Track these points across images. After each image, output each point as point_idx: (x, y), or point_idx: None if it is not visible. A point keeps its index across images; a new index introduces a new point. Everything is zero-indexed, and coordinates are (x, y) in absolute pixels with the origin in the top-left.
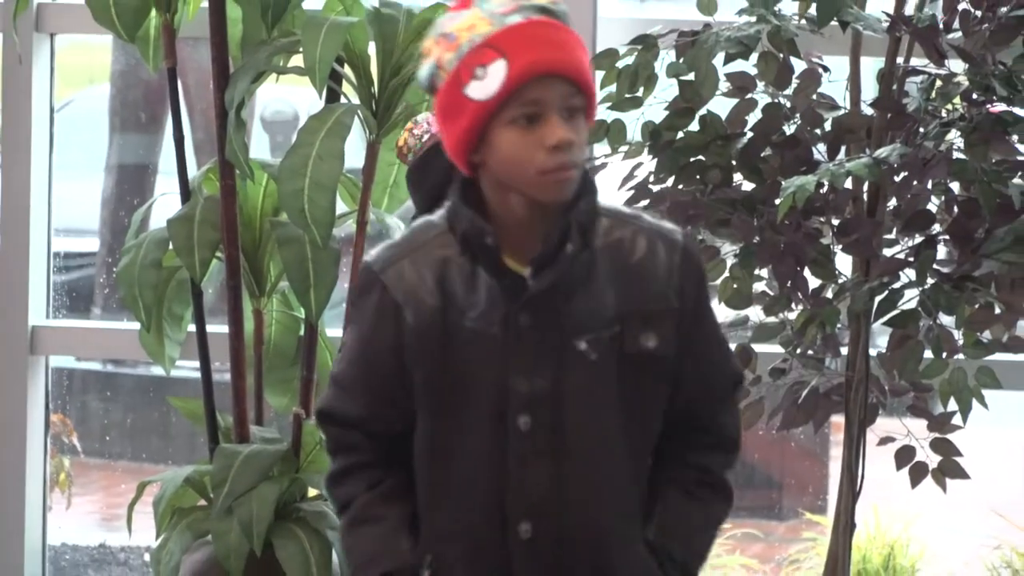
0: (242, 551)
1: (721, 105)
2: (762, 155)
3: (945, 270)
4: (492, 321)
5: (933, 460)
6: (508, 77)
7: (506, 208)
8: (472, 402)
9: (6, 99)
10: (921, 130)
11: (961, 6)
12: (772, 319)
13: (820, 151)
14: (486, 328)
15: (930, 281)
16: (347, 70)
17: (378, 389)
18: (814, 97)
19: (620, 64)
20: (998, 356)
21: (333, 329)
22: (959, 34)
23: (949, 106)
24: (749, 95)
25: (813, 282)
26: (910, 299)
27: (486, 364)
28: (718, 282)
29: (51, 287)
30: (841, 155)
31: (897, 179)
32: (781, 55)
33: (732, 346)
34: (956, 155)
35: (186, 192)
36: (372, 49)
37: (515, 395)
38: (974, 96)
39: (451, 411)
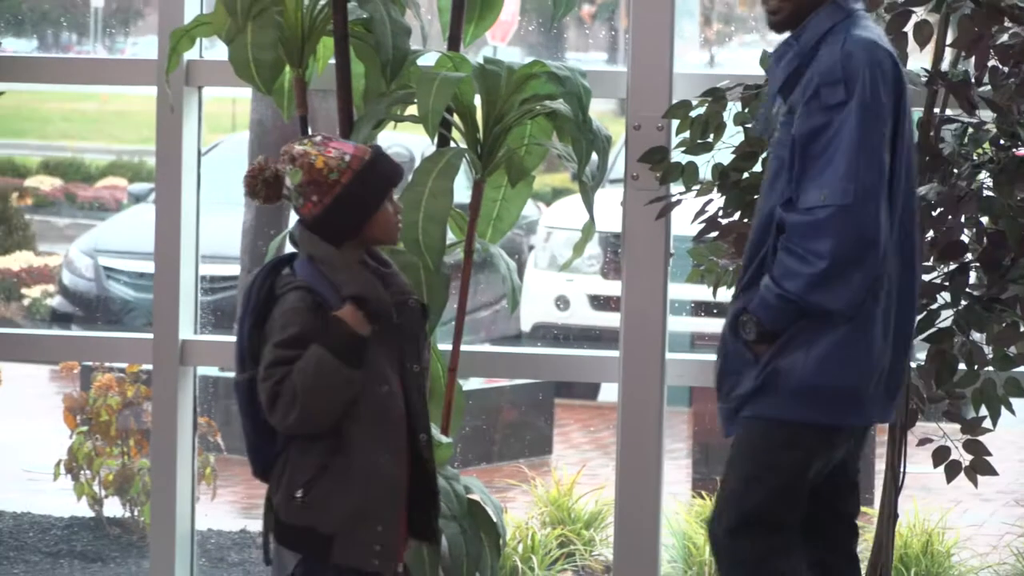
0: None
1: None
2: None
3: (976, 293)
4: None
5: (966, 459)
6: None
7: None
8: None
9: (160, 144)
10: (955, 171)
11: (991, 63)
12: None
13: None
14: None
15: (963, 303)
16: (456, 118)
17: None
18: None
19: (693, 114)
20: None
21: (444, 344)
22: (989, 87)
23: (980, 150)
24: None
25: None
26: (945, 318)
27: None
28: None
29: (199, 306)
30: None
31: (934, 214)
32: None
33: None
34: (986, 193)
35: None
36: (478, 100)
37: None
38: (1001, 142)
39: None
